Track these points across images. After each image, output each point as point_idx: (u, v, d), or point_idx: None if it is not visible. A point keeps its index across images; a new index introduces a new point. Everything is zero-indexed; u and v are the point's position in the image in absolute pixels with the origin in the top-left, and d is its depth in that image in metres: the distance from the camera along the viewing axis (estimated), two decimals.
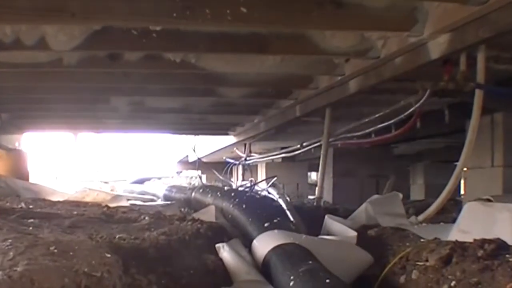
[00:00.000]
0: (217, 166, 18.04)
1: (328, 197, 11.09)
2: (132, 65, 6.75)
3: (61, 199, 8.49)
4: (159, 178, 23.95)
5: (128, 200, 14.78)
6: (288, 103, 9.02)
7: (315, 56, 6.51)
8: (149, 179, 23.86)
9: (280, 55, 6.44)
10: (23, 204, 6.58)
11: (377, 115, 7.56)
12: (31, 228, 3.79)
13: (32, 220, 5.02)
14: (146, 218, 5.72)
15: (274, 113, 10.02)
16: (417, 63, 5.53)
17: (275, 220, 5.29)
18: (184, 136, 17.46)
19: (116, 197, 8.48)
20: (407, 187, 15.06)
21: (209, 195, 7.89)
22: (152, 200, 14.92)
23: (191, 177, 22.85)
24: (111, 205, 7.55)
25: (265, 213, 5.70)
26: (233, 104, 9.35)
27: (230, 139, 13.95)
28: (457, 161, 14.84)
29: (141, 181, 23.31)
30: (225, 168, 16.37)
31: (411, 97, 6.53)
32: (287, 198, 11.72)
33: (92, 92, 8.63)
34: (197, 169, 20.30)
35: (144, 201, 14.83)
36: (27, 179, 12.14)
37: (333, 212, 8.22)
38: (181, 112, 10.21)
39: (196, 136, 16.65)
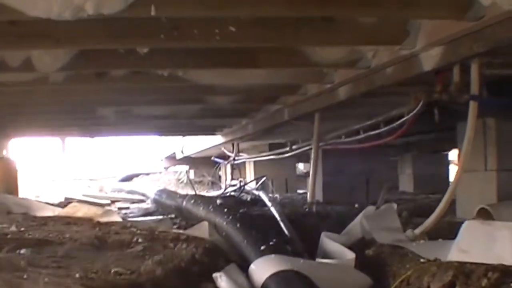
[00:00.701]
0: (205, 161, 17.99)
1: (318, 195, 11.03)
2: (119, 80, 6.66)
3: (51, 214, 8.42)
4: (147, 174, 23.81)
5: (117, 202, 15.01)
6: (277, 107, 8.95)
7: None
8: (137, 175, 23.72)
9: (270, 68, 6.35)
10: (14, 227, 6.49)
11: (368, 122, 7.53)
12: (25, 276, 3.70)
13: (24, 251, 4.95)
14: (140, 240, 5.63)
15: (262, 116, 9.94)
16: (409, 74, 5.46)
17: (271, 242, 5.21)
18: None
19: (107, 212, 8.39)
20: (395, 177, 15.08)
21: (201, 208, 7.79)
22: (142, 201, 14.89)
23: (179, 173, 22.72)
24: (103, 220, 7.47)
25: (260, 234, 5.62)
26: (221, 109, 9.27)
27: (218, 138, 13.86)
28: (445, 151, 14.80)
29: (129, 178, 23.17)
30: (214, 169, 16.40)
31: (404, 107, 6.48)
32: (278, 198, 11.82)
33: (78, 105, 8.56)
34: (185, 164, 20.23)
35: (133, 202, 14.86)
36: (16, 188, 12.06)
37: (326, 218, 8.22)
38: (168, 118, 10.15)
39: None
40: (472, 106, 5.32)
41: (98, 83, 6.69)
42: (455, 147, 12.81)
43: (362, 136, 7.81)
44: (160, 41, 4.85)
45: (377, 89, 6.17)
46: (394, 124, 6.68)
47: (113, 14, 3.89)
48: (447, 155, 15.20)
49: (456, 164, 16.01)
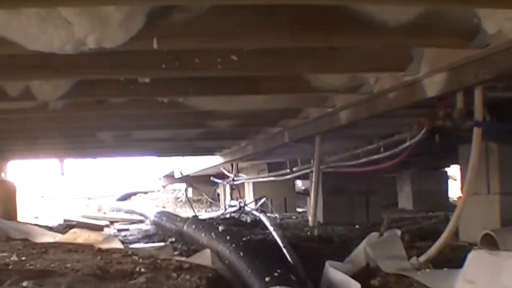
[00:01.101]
0: (203, 179, 17.97)
1: (318, 215, 10.98)
2: (119, 107, 6.62)
3: (52, 240, 8.38)
4: (145, 193, 23.78)
5: (116, 222, 14.98)
6: (276, 130, 8.90)
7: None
8: (135, 194, 23.70)
9: (271, 94, 6.31)
10: (15, 257, 6.45)
11: (370, 147, 7.51)
12: None
13: (26, 283, 4.91)
14: (142, 270, 5.59)
15: (262, 138, 9.89)
16: (412, 100, 5.40)
17: (275, 274, 5.14)
18: None
19: (108, 238, 8.36)
20: (394, 194, 15.07)
21: (203, 234, 7.73)
22: (141, 221, 14.87)
23: (178, 191, 22.70)
24: (104, 246, 7.43)
25: (264, 264, 5.55)
26: (220, 132, 9.24)
27: (217, 159, 13.82)
28: (443, 168, 14.71)
29: (127, 196, 23.15)
30: (213, 189, 16.43)
31: (405, 128, 6.45)
32: (278, 218, 11.78)
33: (77, 130, 8.54)
34: (183, 182, 20.18)
35: (133, 222, 14.85)
36: (15, 210, 12.02)
37: (328, 242, 8.21)
38: (167, 140, 10.11)
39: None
40: (476, 133, 5.26)
41: (98, 109, 6.65)
42: (453, 163, 12.80)
43: (363, 160, 7.79)
44: (162, 71, 4.80)
45: (379, 114, 6.13)
46: (397, 149, 6.64)
47: (114, 48, 3.86)
48: (446, 171, 15.17)
49: (455, 179, 16.03)
